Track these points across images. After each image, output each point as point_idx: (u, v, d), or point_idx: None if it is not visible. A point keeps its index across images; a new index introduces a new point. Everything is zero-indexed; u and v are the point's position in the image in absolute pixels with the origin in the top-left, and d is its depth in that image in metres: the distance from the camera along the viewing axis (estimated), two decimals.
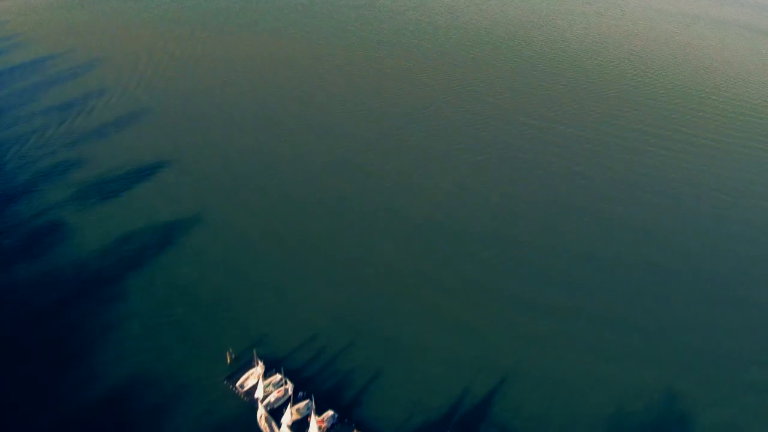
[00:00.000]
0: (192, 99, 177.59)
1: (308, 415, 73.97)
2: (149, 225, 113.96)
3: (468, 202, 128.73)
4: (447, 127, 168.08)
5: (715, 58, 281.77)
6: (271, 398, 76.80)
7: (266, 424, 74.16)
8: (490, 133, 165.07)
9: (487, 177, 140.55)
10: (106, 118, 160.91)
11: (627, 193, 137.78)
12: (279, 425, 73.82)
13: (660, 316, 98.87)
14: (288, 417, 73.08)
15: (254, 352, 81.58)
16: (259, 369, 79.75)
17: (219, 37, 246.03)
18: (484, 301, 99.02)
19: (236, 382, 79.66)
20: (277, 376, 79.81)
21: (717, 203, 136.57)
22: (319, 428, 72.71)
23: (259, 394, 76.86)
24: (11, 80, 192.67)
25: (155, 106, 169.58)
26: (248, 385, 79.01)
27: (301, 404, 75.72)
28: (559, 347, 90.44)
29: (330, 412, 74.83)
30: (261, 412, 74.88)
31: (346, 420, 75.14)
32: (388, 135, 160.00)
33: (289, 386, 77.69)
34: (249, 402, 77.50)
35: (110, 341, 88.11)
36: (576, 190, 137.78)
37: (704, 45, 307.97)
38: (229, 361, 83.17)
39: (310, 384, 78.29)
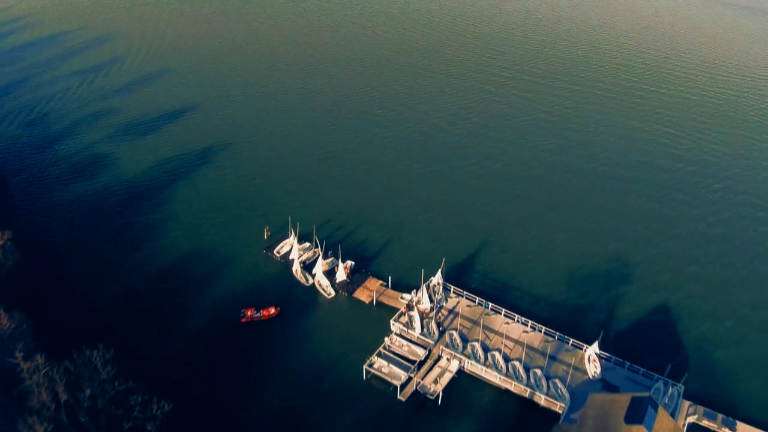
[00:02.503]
0: (202, 60, 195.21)
1: (335, 266, 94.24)
2: (185, 152, 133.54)
3: (450, 130, 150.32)
4: (430, 76, 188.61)
5: (678, 25, 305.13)
6: (304, 257, 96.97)
7: (301, 274, 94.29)
8: (468, 84, 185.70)
9: (465, 112, 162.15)
10: (127, 78, 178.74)
11: (583, 125, 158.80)
12: (312, 275, 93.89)
13: (610, 209, 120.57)
14: (319, 267, 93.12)
15: (289, 221, 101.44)
16: (292, 239, 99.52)
17: (223, 13, 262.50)
18: (467, 195, 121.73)
19: (273, 250, 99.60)
20: (307, 243, 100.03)
21: (662, 135, 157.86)
22: (344, 273, 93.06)
23: (294, 255, 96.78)
24: (30, 54, 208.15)
25: (171, 67, 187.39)
26: (284, 251, 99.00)
27: (329, 259, 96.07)
28: (530, 226, 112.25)
29: (351, 262, 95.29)
30: (296, 267, 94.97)
31: (363, 270, 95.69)
32: (386, 80, 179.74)
33: (319, 249, 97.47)
34: (285, 263, 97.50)
35: (162, 232, 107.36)
36: (540, 123, 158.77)
37: (669, 14, 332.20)
38: (266, 236, 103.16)
39: (335, 248, 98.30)
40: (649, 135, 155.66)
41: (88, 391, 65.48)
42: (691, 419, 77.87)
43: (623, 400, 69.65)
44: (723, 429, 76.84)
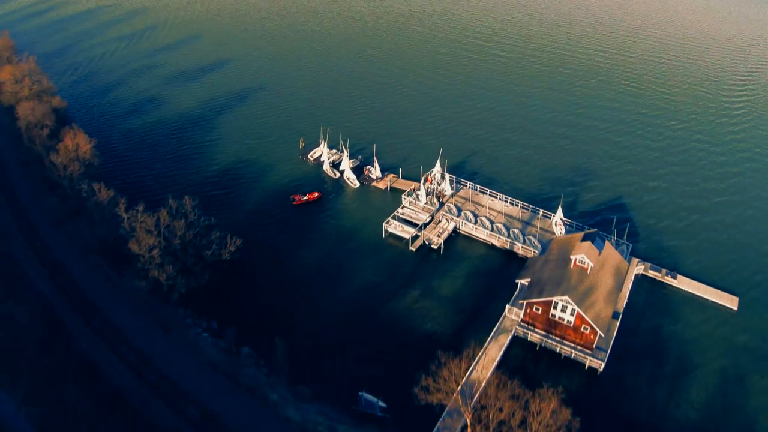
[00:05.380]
0: (232, 25, 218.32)
1: (358, 165, 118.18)
2: (226, 93, 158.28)
3: (445, 82, 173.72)
4: (436, 42, 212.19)
5: (650, 4, 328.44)
6: (332, 158, 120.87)
7: (331, 171, 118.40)
8: (460, 50, 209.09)
9: (449, 62, 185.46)
10: (165, 40, 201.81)
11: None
12: (341, 171, 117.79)
13: (584, 150, 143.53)
14: (346, 165, 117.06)
15: (320, 130, 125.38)
16: (323, 146, 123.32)
17: None
18: (461, 125, 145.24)
19: (307, 155, 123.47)
20: (335, 150, 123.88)
21: (629, 94, 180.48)
22: (366, 171, 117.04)
23: (324, 158, 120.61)
24: (72, 25, 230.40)
25: (204, 32, 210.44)
26: (316, 156, 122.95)
27: (353, 160, 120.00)
28: (510, 146, 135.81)
29: (370, 165, 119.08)
30: (326, 165, 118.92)
31: (381, 168, 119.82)
32: (401, 41, 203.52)
33: (345, 153, 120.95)
34: (317, 164, 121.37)
35: (215, 150, 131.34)
36: (520, 80, 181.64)
37: None
38: (301, 146, 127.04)
39: (358, 153, 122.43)
40: (615, 93, 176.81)
41: (182, 222, 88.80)
42: (639, 270, 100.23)
43: (579, 235, 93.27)
44: (666, 278, 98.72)
